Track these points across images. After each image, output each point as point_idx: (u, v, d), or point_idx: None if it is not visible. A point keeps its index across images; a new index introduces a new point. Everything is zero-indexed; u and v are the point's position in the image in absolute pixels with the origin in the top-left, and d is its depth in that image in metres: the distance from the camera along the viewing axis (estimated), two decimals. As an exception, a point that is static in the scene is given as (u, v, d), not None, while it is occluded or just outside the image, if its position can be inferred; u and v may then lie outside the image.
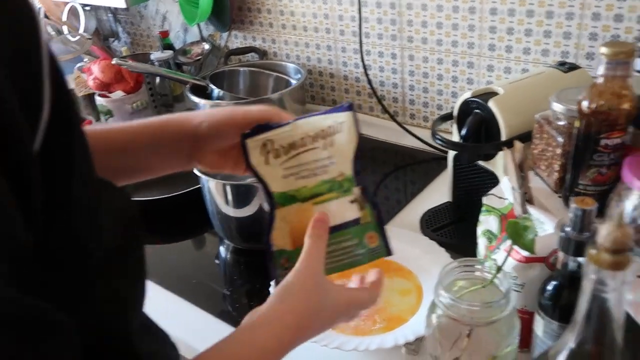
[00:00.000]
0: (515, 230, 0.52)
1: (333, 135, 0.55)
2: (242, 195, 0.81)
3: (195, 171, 0.84)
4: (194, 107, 1.19)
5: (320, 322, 0.52)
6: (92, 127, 0.59)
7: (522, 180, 0.59)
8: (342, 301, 0.53)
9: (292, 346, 0.49)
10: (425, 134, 1.13)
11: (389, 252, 0.57)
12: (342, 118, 0.55)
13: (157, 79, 1.39)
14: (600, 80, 0.53)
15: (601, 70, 0.52)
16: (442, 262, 0.74)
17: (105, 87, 1.26)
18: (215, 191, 0.83)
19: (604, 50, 0.51)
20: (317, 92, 1.32)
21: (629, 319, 0.47)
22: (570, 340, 0.44)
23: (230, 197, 0.82)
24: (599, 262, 0.38)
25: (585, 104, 0.54)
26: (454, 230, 0.83)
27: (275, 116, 0.58)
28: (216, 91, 1.14)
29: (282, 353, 0.48)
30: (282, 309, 0.49)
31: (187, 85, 1.19)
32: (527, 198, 0.62)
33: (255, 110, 0.58)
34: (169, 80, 1.36)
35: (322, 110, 0.57)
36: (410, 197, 0.98)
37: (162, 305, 0.79)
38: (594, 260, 0.38)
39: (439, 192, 0.96)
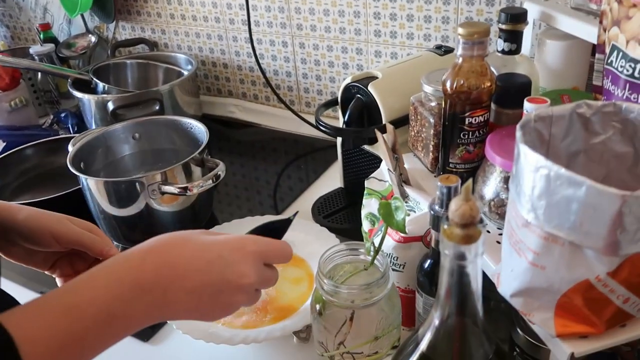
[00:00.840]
0: (387, 211, 0.53)
1: None
2: (124, 193, 0.77)
3: (73, 170, 0.79)
4: (80, 103, 1.12)
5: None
6: None
7: (397, 161, 0.60)
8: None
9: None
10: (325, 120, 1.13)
11: None
12: None
13: (39, 75, 1.30)
14: (460, 60, 0.54)
15: (460, 50, 0.54)
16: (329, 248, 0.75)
17: (-23, 85, 1.16)
18: (96, 190, 0.79)
19: (460, 30, 0.52)
20: (212, 83, 1.29)
21: (492, 286, 0.49)
22: (435, 316, 0.45)
23: (112, 195, 0.78)
24: (451, 237, 0.39)
25: (448, 84, 0.55)
26: (345, 215, 0.83)
27: (94, 246, 0.55)
28: (101, 85, 1.08)
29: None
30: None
31: (69, 80, 1.12)
32: (404, 179, 0.63)
33: (78, 233, 0.55)
34: (51, 75, 1.28)
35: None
36: (305, 185, 0.98)
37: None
38: (447, 235, 0.39)
39: (333, 179, 0.97)
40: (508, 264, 0.46)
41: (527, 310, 0.45)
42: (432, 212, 0.52)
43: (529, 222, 0.41)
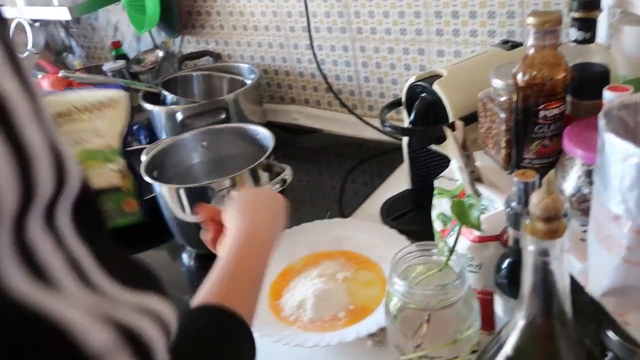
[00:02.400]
0: (461, 210, 0.52)
1: (102, 110, 0.58)
2: (195, 199, 0.79)
3: (147, 178, 0.82)
4: (150, 116, 1.17)
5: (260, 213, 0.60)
6: None
7: (467, 159, 0.58)
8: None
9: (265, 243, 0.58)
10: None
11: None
12: (114, 95, 0.58)
13: (112, 91, 1.36)
14: (532, 51, 0.52)
15: (531, 40, 0.52)
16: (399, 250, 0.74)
17: (57, 103, 1.23)
18: (169, 197, 0.81)
19: (530, 20, 0.50)
20: (274, 91, 1.31)
21: (576, 287, 0.46)
22: (519, 317, 0.43)
23: (185, 202, 0.81)
24: (534, 232, 0.37)
25: (519, 77, 0.53)
26: (414, 217, 0.82)
27: None
28: (169, 97, 1.12)
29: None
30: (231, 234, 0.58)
31: (140, 94, 1.16)
32: (476, 177, 0.61)
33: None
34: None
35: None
36: (372, 189, 0.97)
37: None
38: (529, 230, 0.37)
39: (400, 181, 0.95)
40: (596, 262, 0.43)
41: (620, 311, 0.42)
42: (508, 209, 0.51)
43: (618, 215, 0.39)
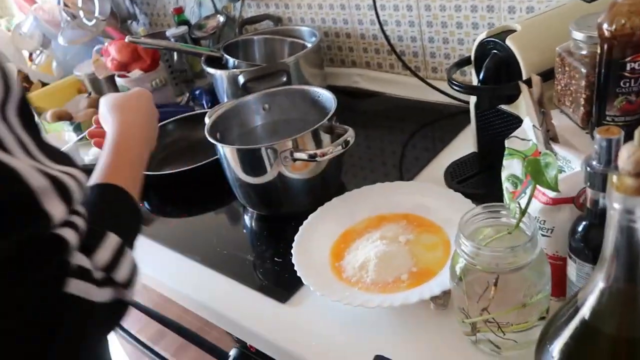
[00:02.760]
0: (536, 168, 0.49)
1: None
2: (258, 161, 0.80)
3: (211, 139, 0.83)
4: (212, 80, 1.18)
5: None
6: None
7: (543, 116, 0.55)
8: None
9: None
10: (450, 87, 1.08)
11: None
12: None
13: (175, 56, 1.39)
14: (622, -3, 0.48)
15: (622, -15, 0.48)
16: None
17: (124, 67, 1.26)
18: (232, 159, 0.82)
19: (622, -38, 0.46)
20: (335, 54, 1.29)
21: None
22: (599, 280, 0.41)
23: (247, 163, 0.81)
24: (622, 189, 0.34)
25: (605, 27, 0.49)
26: (480, 180, 0.79)
27: None
28: (231, 61, 1.13)
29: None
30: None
31: (202, 58, 1.17)
32: (551, 136, 0.58)
33: None
34: (186, 55, 1.35)
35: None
36: (436, 152, 0.94)
37: (190, 276, 0.80)
38: (617, 187, 0.35)
39: (464, 144, 0.92)
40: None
41: None
42: (588, 168, 0.48)
43: None
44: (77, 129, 1.22)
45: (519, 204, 0.52)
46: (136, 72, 1.26)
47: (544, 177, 0.49)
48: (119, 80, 1.29)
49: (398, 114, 1.13)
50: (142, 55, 1.25)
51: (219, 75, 1.11)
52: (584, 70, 0.55)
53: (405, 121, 1.10)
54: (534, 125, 0.56)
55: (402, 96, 1.16)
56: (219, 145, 0.82)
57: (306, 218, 0.78)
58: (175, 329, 1.01)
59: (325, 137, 0.82)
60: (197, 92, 1.28)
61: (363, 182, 0.83)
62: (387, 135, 1.06)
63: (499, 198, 0.67)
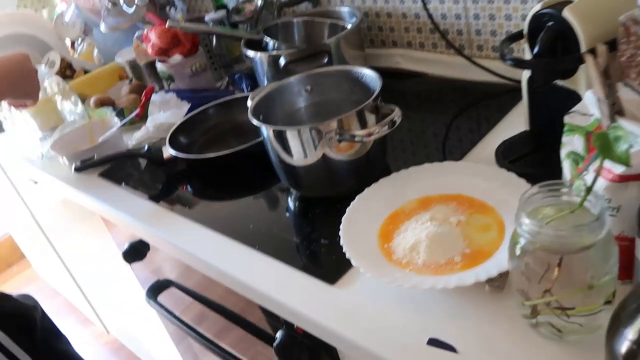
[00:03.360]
0: (605, 142, 0.46)
1: None
2: (301, 142, 0.78)
3: (255, 121, 0.82)
4: (251, 64, 1.17)
5: None
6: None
7: (609, 89, 0.52)
8: None
9: None
10: (496, 66, 1.05)
11: None
12: None
13: (214, 41, 1.38)
14: (703, -45, 0.45)
15: None
16: (522, 192, 0.69)
17: (164, 53, 1.27)
18: (275, 141, 0.81)
19: None
20: (375, 35, 1.26)
21: None
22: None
23: (290, 145, 0.80)
24: None
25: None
26: (533, 159, 0.76)
27: None
28: (271, 43, 1.12)
29: None
30: None
31: (242, 41, 1.17)
32: (617, 110, 0.55)
33: None
34: (225, 39, 1.35)
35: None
36: (484, 132, 0.92)
37: (235, 258, 0.80)
38: None
39: (514, 123, 0.89)
40: None
41: None
42: (663, 141, 0.45)
43: None
44: (120, 114, 1.23)
45: (585, 180, 0.50)
46: (176, 57, 1.26)
47: (614, 151, 0.46)
48: (159, 66, 1.30)
49: (441, 94, 1.10)
50: (182, 40, 1.26)
51: (259, 58, 1.10)
52: (653, 39, 0.52)
53: (448, 102, 1.07)
54: (598, 99, 0.54)
55: (445, 76, 1.13)
56: (263, 127, 0.81)
57: (351, 200, 0.76)
58: (219, 310, 1.02)
59: (371, 118, 0.81)
60: (237, 76, 1.28)
61: (406, 164, 0.81)
62: (430, 117, 1.04)
63: (554, 177, 0.64)
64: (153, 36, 1.26)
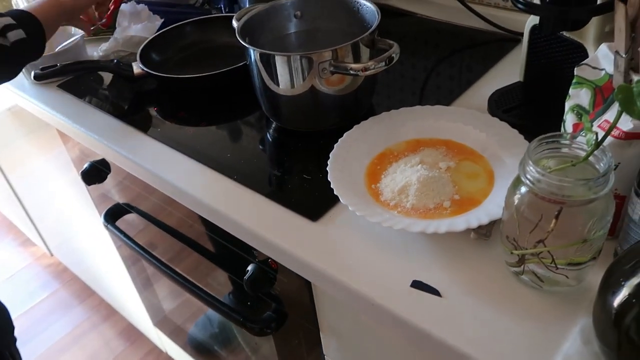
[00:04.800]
0: (628, 96, 0.45)
1: None
2: (291, 71, 0.74)
3: (242, 42, 0.77)
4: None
5: None
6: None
7: (632, 42, 0.50)
8: None
9: None
10: (488, 13, 1.02)
11: None
12: None
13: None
14: None
15: None
16: (514, 144, 0.68)
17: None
18: (262, 66, 0.76)
19: None
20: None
21: None
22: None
23: (278, 71, 0.75)
24: None
25: None
26: (526, 111, 0.75)
27: None
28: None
29: None
30: None
31: (225, -44, 1.08)
32: (633, 65, 0.54)
33: None
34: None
35: None
36: (472, 80, 0.90)
37: (208, 185, 0.76)
38: None
39: (503, 73, 0.88)
40: None
41: None
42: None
43: None
44: (84, 22, 1.13)
45: (596, 134, 0.49)
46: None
47: (636, 105, 0.45)
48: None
49: (431, 37, 1.07)
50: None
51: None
52: (682, -5, 0.50)
53: (436, 46, 1.04)
54: (617, 52, 0.52)
55: (435, 18, 1.09)
56: (252, 49, 0.76)
57: (332, 137, 0.74)
58: (174, 234, 0.99)
59: (365, 52, 0.77)
60: (214, -6, 1.19)
61: (391, 106, 0.78)
62: (419, 59, 1.01)
63: (548, 130, 0.63)
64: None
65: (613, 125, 0.47)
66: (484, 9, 1.03)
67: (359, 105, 0.83)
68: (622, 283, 0.42)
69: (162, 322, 1.47)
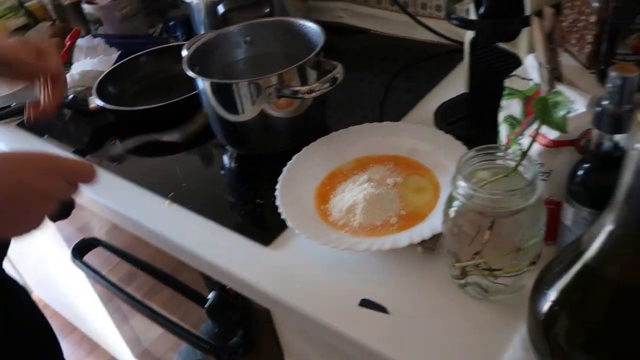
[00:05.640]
0: (544, 108, 0.46)
1: None
2: (240, 97, 0.75)
3: (190, 73, 0.78)
4: (188, 10, 1.10)
5: None
6: None
7: (552, 53, 0.52)
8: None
9: None
10: (439, 25, 1.04)
11: None
12: None
13: (147, -16, 1.29)
14: None
15: None
16: (458, 155, 0.69)
17: (91, -6, 1.17)
18: (211, 94, 0.77)
19: None
20: (319, -13, 1.22)
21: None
22: (608, 224, 0.39)
23: (227, 100, 0.76)
24: (648, 128, 0.32)
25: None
26: (471, 122, 0.77)
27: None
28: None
29: None
30: None
31: (177, -14, 1.09)
32: (556, 75, 0.55)
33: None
34: (159, -17, 1.26)
35: None
36: (423, 93, 0.91)
37: (165, 216, 0.76)
38: (643, 125, 0.32)
39: (454, 85, 0.89)
40: None
41: None
42: (598, 108, 0.45)
43: None
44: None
45: (520, 145, 0.50)
46: (105, -1, 1.17)
47: (552, 117, 0.46)
48: (85, 7, 1.20)
49: (384, 52, 1.08)
50: (111, -19, 1.16)
51: (196, 5, 1.03)
52: (595, 5, 0.52)
53: (391, 60, 1.06)
54: (539, 63, 0.53)
55: (388, 33, 1.11)
56: (199, 79, 0.76)
57: (288, 159, 0.74)
58: (148, 269, 0.99)
59: (312, 74, 0.78)
60: (171, 23, 1.21)
61: (347, 123, 0.79)
62: (372, 75, 1.02)
63: (492, 140, 0.64)
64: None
65: (535, 137, 0.48)
66: (435, 22, 1.05)
67: (311, 126, 0.84)
68: (546, 291, 0.43)
69: (143, 354, 1.46)
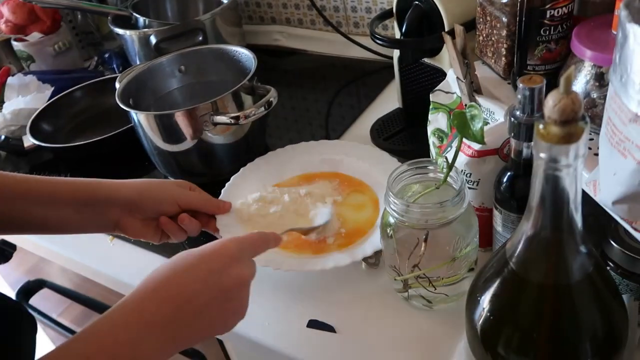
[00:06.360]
0: (462, 121, 0.48)
1: None
2: (176, 127, 0.75)
3: (123, 106, 0.77)
4: (121, 41, 1.09)
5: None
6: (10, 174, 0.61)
7: (467, 68, 0.54)
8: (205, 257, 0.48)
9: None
10: (373, 43, 1.06)
11: None
12: None
13: (79, 17, 1.27)
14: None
15: None
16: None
17: (21, 30, 1.15)
18: (147, 126, 0.77)
19: None
20: (253, 10, 1.23)
21: (586, 199, 0.44)
22: (526, 229, 0.41)
23: (165, 130, 0.76)
24: (548, 137, 0.34)
25: (526, -28, 0.48)
26: (406, 136, 0.79)
27: (210, 203, 0.66)
28: (141, 20, 1.05)
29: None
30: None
31: (109, 18, 1.08)
32: (475, 88, 0.57)
33: (195, 195, 0.66)
34: (92, 15, 1.25)
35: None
36: (361, 109, 0.93)
37: (112, 255, 0.75)
38: (543, 136, 0.34)
39: (390, 100, 0.91)
40: (609, 168, 0.40)
41: (632, 218, 0.40)
42: (512, 118, 0.47)
43: (639, 115, 0.35)
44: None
45: (446, 158, 0.52)
46: (35, 35, 1.15)
47: (470, 129, 0.48)
48: (16, 45, 1.17)
49: (321, 71, 1.10)
50: (40, 16, 1.14)
51: (129, 36, 1.03)
52: (505, 20, 0.55)
53: (329, 79, 1.08)
54: (457, 78, 0.55)
55: (324, 53, 1.13)
56: (133, 112, 0.76)
57: (230, 183, 0.74)
58: (100, 309, 0.96)
59: (247, 99, 0.78)
60: (107, 55, 1.19)
61: (289, 143, 0.80)
62: (311, 94, 1.04)
63: (426, 153, 0.66)
64: (6, 11, 1.14)
65: (457, 149, 0.50)
66: (367, 40, 1.07)
67: (252, 149, 0.84)
68: (479, 298, 0.44)
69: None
